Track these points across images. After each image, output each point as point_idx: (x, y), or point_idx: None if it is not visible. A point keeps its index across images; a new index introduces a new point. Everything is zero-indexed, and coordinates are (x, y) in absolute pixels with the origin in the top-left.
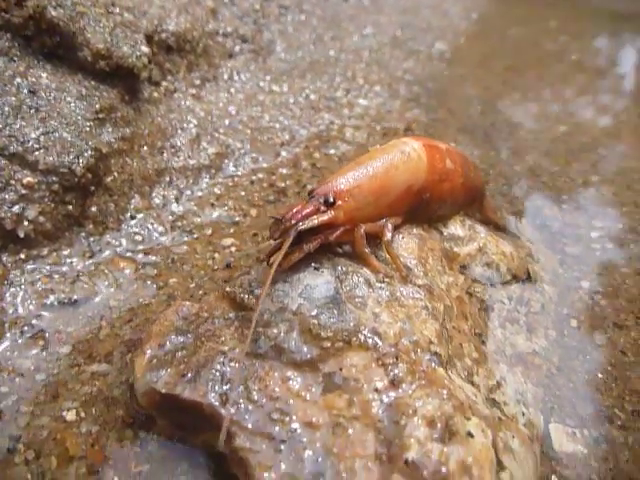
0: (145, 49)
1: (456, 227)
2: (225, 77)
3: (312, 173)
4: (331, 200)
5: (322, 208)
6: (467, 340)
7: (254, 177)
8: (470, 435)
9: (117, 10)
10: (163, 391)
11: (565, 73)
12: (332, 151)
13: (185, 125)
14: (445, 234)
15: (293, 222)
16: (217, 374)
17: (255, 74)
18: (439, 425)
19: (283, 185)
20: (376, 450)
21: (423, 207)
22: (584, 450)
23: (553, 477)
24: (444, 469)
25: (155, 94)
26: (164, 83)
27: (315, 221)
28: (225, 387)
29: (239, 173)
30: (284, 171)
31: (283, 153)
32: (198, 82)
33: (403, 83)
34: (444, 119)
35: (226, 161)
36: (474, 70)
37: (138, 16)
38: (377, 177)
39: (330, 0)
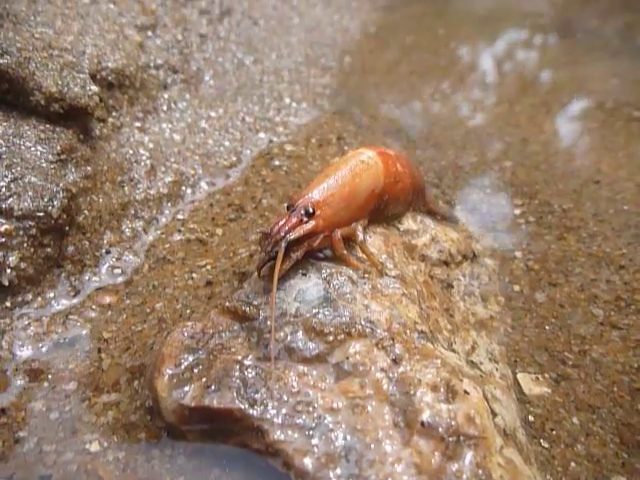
0: (95, 88)
1: (409, 222)
2: (164, 108)
3: (264, 188)
4: (311, 210)
5: (304, 219)
6: (440, 315)
7: (212, 200)
8: (466, 392)
9: (57, 52)
10: (192, 405)
11: (462, 73)
12: (278, 166)
13: (138, 158)
14: (402, 229)
15: (282, 234)
16: (238, 381)
17: (191, 102)
18: (442, 389)
19: (240, 203)
20: (394, 420)
21: (383, 207)
22: (548, 390)
23: (530, 417)
24: (454, 423)
25: (105, 131)
26: (110, 119)
27: (301, 231)
28: (249, 390)
29: (197, 197)
30: (238, 189)
31: (233, 174)
32: (141, 115)
33: (325, 97)
34: (369, 125)
35: (183, 188)
36: (384, 78)
37: (78, 56)
38: (346, 185)
39: (241, 25)
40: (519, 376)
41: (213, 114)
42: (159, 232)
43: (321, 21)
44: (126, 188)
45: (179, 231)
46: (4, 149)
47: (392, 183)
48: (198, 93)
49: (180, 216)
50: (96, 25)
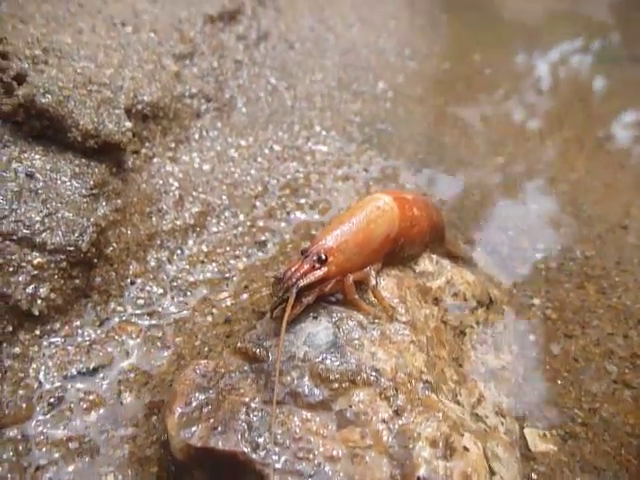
0: (128, 124)
1: (425, 264)
2: (196, 137)
3: (287, 222)
4: (323, 257)
5: (316, 265)
6: (447, 365)
7: (235, 231)
8: (466, 449)
9: (95, 87)
10: (199, 445)
11: (496, 105)
12: (302, 200)
13: (167, 188)
14: (417, 271)
15: (293, 280)
16: (244, 424)
17: (222, 131)
18: (440, 444)
19: (263, 238)
20: (391, 472)
21: (398, 250)
22: (554, 448)
23: (533, 474)
24: None
25: (137, 162)
26: (143, 150)
27: (312, 278)
28: (253, 434)
29: (222, 228)
30: (261, 223)
31: (258, 204)
32: (173, 145)
33: (355, 126)
34: (396, 159)
35: (209, 218)
36: (416, 107)
37: (115, 91)
38: (360, 232)
39: (277, 49)
40: (526, 431)
41: (243, 142)
42: (183, 263)
43: (357, 42)
44: (154, 219)
45: (202, 262)
46: (42, 184)
47: (408, 227)
48: (230, 121)
49: (204, 247)
50: (136, 55)
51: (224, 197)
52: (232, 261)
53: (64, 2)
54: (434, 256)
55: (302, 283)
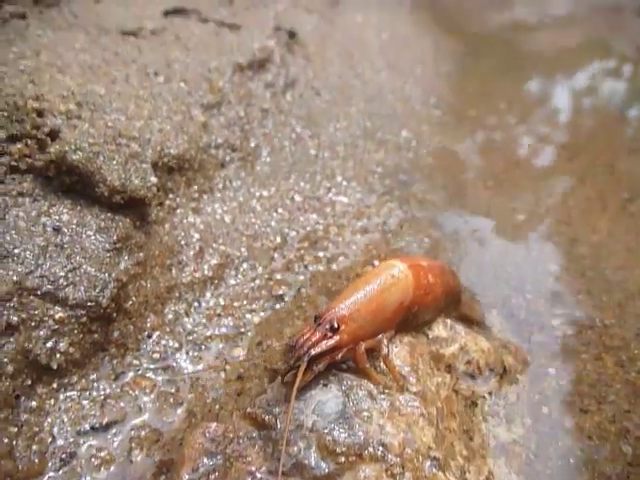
0: (154, 179)
1: (439, 329)
2: (220, 187)
3: (304, 275)
4: (335, 326)
5: (328, 334)
6: (457, 438)
7: (253, 284)
8: None
9: (124, 141)
10: None
11: (520, 158)
12: (320, 253)
13: (189, 240)
14: (431, 337)
15: (305, 349)
16: None
17: (245, 181)
18: None
19: (280, 292)
20: None
21: (412, 318)
22: None
23: None
24: None
25: (161, 214)
26: (167, 202)
27: (324, 347)
28: None
29: (239, 281)
30: (279, 276)
31: (277, 257)
32: (196, 195)
33: (377, 176)
34: (416, 212)
35: (227, 270)
36: (438, 159)
37: (143, 145)
38: (373, 300)
39: (304, 96)
40: None
41: (265, 193)
42: (200, 316)
43: (383, 89)
44: (174, 271)
45: (218, 316)
46: (67, 238)
47: (422, 295)
48: (253, 170)
49: (221, 301)
50: (166, 106)
51: (243, 249)
52: (248, 315)
53: (100, 50)
54: (448, 321)
55: (314, 352)
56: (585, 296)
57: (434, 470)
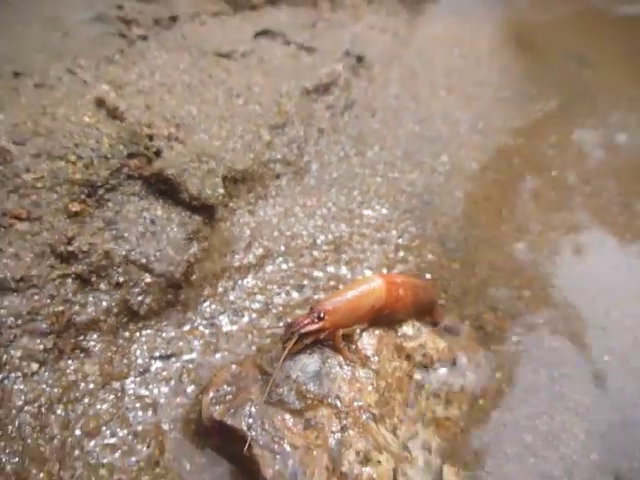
0: (221, 190)
1: (407, 328)
2: (272, 194)
3: (323, 272)
4: (322, 315)
5: (315, 320)
6: (398, 405)
7: (283, 274)
8: (379, 462)
9: (205, 159)
10: (217, 418)
11: (543, 194)
12: (342, 255)
13: (242, 235)
14: (399, 333)
15: (297, 328)
16: (247, 412)
17: (294, 191)
18: (362, 455)
19: (303, 283)
20: (327, 464)
21: (383, 317)
22: None
23: None
24: (360, 478)
25: (224, 213)
26: (230, 204)
27: (310, 328)
28: (250, 420)
29: (274, 270)
30: (305, 270)
31: (306, 254)
32: (253, 200)
33: (405, 195)
34: (427, 230)
35: (266, 261)
36: (465, 183)
37: (218, 162)
38: (352, 301)
39: (359, 117)
40: (444, 466)
41: (308, 202)
42: (241, 292)
43: (435, 112)
44: (227, 257)
45: (254, 294)
46: (159, 228)
47: (393, 302)
48: (302, 182)
49: (259, 283)
50: (241, 127)
51: (282, 246)
52: (276, 297)
53: (198, 72)
54: (417, 323)
55: (303, 331)
56: (538, 306)
57: (370, 421)
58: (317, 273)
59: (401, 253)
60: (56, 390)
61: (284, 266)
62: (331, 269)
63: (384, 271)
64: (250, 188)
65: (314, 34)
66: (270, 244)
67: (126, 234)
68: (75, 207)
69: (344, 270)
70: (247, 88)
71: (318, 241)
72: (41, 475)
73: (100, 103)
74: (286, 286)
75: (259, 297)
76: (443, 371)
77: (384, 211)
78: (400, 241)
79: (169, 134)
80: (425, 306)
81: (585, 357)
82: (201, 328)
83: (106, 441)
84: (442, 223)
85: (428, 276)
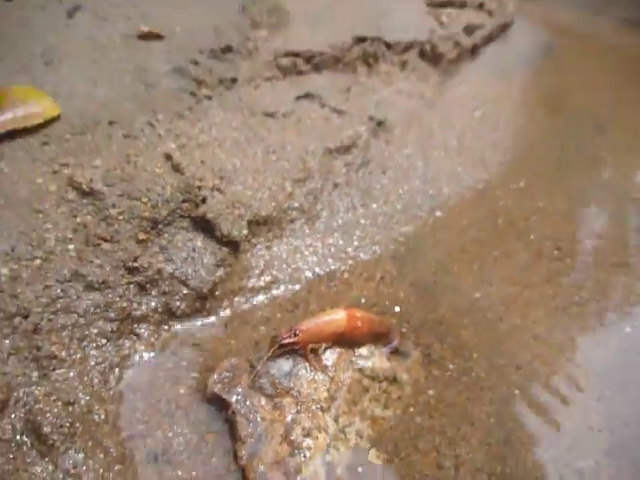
0: (245, 231)
1: (364, 349)
2: (286, 235)
3: (309, 293)
4: (297, 333)
5: (292, 335)
6: (344, 402)
7: (280, 300)
8: (317, 437)
9: (237, 206)
10: (217, 392)
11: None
12: (330, 284)
13: (257, 264)
14: (356, 353)
15: (279, 339)
16: (236, 392)
17: (304, 233)
18: (306, 430)
19: (292, 306)
20: (282, 433)
21: (344, 340)
22: (382, 463)
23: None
24: (301, 445)
25: (246, 246)
26: (252, 240)
27: (288, 341)
28: (237, 397)
29: (278, 293)
30: (300, 294)
31: (304, 283)
32: (270, 238)
33: (395, 243)
34: (405, 272)
35: (273, 285)
36: (450, 237)
37: (247, 209)
38: (320, 326)
39: (372, 174)
40: (371, 450)
41: (313, 243)
42: (251, 307)
43: (442, 171)
44: (244, 281)
45: (259, 309)
46: (197, 255)
47: (351, 330)
48: (312, 227)
49: (266, 301)
50: (270, 179)
51: (287, 276)
52: (276, 313)
53: (246, 129)
54: (372, 347)
55: (283, 342)
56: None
57: (318, 410)
58: (309, 297)
59: (380, 288)
60: (116, 359)
61: (285, 290)
62: (320, 295)
63: (363, 301)
64: (269, 229)
65: (347, 98)
66: (278, 273)
67: (174, 257)
68: (142, 236)
69: (332, 296)
70: (281, 146)
71: (315, 274)
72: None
73: (168, 157)
74: (284, 305)
75: (263, 311)
76: (385, 384)
77: (375, 255)
78: (381, 279)
79: (213, 185)
80: (379, 335)
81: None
82: (217, 327)
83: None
84: (419, 268)
85: (397, 308)
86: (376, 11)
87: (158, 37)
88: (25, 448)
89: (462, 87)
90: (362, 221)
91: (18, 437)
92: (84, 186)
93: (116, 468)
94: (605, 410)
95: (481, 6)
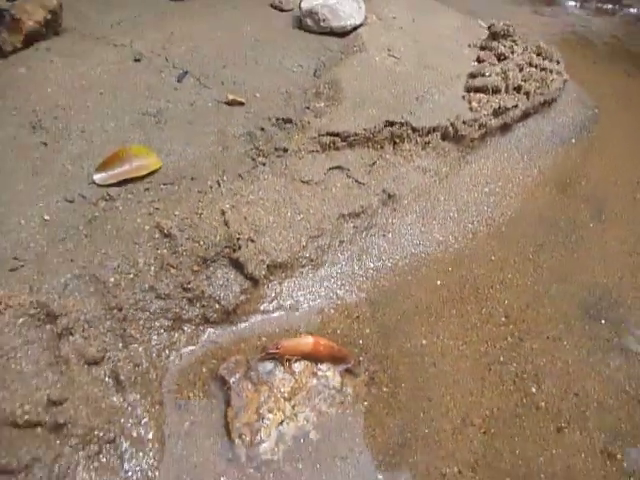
0: (264, 272)
1: (323, 366)
2: (296, 275)
3: (302, 325)
4: (278, 347)
5: (276, 348)
6: (301, 397)
7: (285, 318)
8: (275, 414)
9: (261, 253)
10: (222, 374)
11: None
12: (320, 316)
13: (270, 294)
14: (317, 366)
15: (268, 349)
16: (235, 376)
17: (307, 277)
18: (268, 407)
19: (291, 326)
20: (255, 408)
21: (310, 357)
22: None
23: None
24: (263, 390)
25: (264, 282)
26: (270, 277)
27: (272, 350)
28: (234, 380)
29: (281, 315)
30: (297, 320)
31: (300, 310)
32: (283, 277)
33: (376, 292)
34: (373, 319)
35: (278, 310)
36: (419, 294)
37: (269, 256)
38: (294, 346)
39: (374, 235)
40: (312, 431)
41: (313, 284)
42: (262, 323)
43: (435, 238)
44: (259, 305)
45: (268, 326)
46: (228, 284)
47: (315, 352)
48: (315, 273)
49: (272, 320)
50: (291, 234)
51: (289, 305)
52: (275, 330)
53: (284, 192)
54: (330, 365)
55: (269, 351)
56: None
57: (280, 397)
58: (301, 322)
59: (353, 324)
60: (168, 343)
61: (285, 315)
62: (310, 323)
63: (338, 332)
64: (283, 271)
65: (370, 171)
66: (283, 303)
67: (213, 284)
68: (195, 267)
69: (317, 325)
70: (307, 209)
71: (309, 306)
72: None
73: (222, 213)
74: (282, 325)
75: (267, 328)
76: (334, 391)
77: (358, 298)
78: (356, 317)
79: (248, 237)
80: (337, 358)
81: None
82: (234, 334)
83: None
84: (388, 314)
85: (361, 341)
86: (414, 96)
87: (240, 104)
88: (109, 386)
89: (481, 162)
90: (355, 272)
91: (105, 379)
92: (165, 230)
93: (155, 408)
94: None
95: (518, 89)
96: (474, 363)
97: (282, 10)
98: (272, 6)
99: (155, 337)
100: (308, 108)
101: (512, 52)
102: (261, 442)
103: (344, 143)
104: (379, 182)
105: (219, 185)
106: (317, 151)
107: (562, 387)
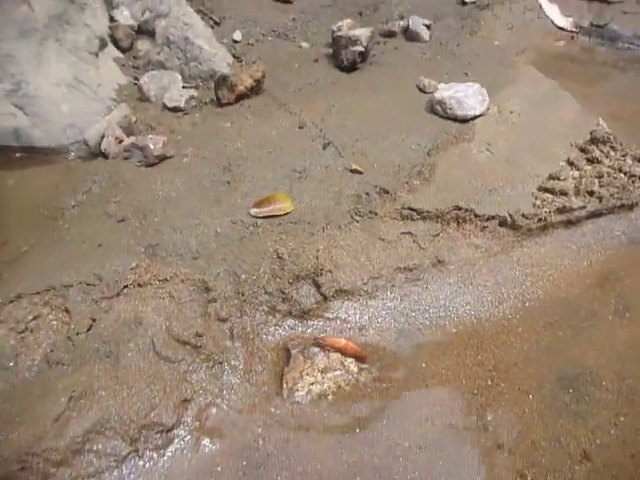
0: (332, 294)
1: (349, 359)
2: (353, 300)
3: (350, 331)
4: (324, 340)
5: (322, 340)
6: (329, 373)
7: (337, 326)
8: (311, 377)
9: (334, 281)
10: (289, 347)
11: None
12: (362, 330)
13: (332, 308)
14: (344, 358)
15: (317, 339)
16: (295, 350)
17: (361, 302)
18: (307, 374)
19: (342, 330)
20: (300, 370)
21: (340, 352)
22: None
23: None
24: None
25: (331, 299)
26: (335, 297)
27: (320, 342)
28: (294, 352)
29: (337, 323)
30: (347, 327)
31: (351, 322)
32: (344, 299)
33: (405, 328)
34: (397, 343)
35: (337, 319)
36: (446, 358)
37: (337, 284)
38: (334, 341)
39: (419, 286)
40: (329, 395)
41: (364, 308)
42: (321, 323)
43: (468, 303)
44: (324, 313)
45: (325, 327)
46: (310, 295)
47: (344, 349)
48: (368, 301)
49: (329, 324)
50: (359, 274)
51: (344, 318)
52: (331, 330)
53: (364, 244)
54: (354, 359)
55: (318, 342)
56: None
57: (316, 371)
58: (347, 329)
59: (380, 341)
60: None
61: (340, 323)
62: (353, 331)
63: (367, 341)
64: (345, 295)
65: (431, 240)
66: (340, 315)
67: (299, 293)
68: (290, 280)
69: (357, 333)
70: (376, 259)
71: (356, 322)
72: None
73: (318, 250)
74: (336, 328)
75: (327, 328)
76: (351, 377)
77: (387, 329)
78: (380, 340)
79: (329, 270)
80: (359, 358)
81: None
82: (303, 326)
83: None
84: (404, 341)
85: (380, 352)
86: (488, 188)
87: (360, 173)
88: (226, 335)
89: (535, 247)
90: (396, 307)
91: (225, 330)
92: (280, 254)
93: (247, 354)
94: None
95: (591, 193)
96: (452, 387)
97: (424, 92)
98: (418, 88)
99: (258, 316)
100: (407, 183)
101: (606, 157)
102: (297, 391)
103: (419, 216)
104: (436, 249)
105: (323, 231)
106: (397, 219)
107: (516, 429)
